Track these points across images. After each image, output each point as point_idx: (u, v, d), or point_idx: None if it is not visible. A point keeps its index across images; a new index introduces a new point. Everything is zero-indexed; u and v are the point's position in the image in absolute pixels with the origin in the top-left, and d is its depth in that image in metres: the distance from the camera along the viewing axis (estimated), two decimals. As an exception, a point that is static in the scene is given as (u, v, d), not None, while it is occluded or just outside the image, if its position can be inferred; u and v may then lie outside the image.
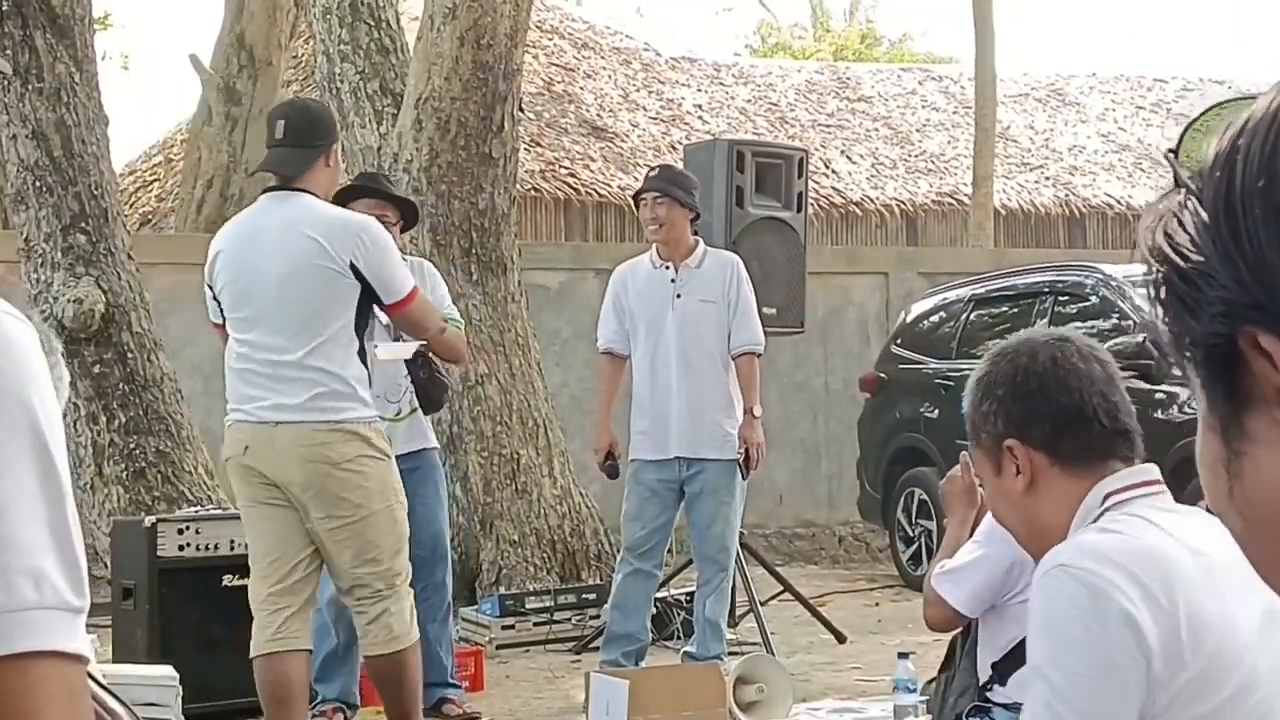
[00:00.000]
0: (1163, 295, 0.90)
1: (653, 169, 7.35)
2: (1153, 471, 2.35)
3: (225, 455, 5.19)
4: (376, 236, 5.11)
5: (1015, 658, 3.93)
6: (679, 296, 6.90)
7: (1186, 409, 7.78)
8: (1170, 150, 0.98)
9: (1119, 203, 16.33)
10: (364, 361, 5.13)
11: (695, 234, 7.08)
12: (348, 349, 5.06)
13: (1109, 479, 2.33)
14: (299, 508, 5.06)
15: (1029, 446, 2.35)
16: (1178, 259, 0.88)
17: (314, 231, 5.03)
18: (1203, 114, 1.03)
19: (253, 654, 5.10)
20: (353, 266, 5.01)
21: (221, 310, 5.22)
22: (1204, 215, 0.87)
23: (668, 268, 6.94)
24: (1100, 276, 9.49)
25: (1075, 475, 2.35)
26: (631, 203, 7.68)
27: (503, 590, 8.54)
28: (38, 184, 8.64)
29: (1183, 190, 0.90)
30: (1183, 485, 2.59)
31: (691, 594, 7.38)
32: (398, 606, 5.09)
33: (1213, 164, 0.88)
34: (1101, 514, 2.24)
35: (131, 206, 14.62)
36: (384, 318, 5.50)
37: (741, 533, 8.10)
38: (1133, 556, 2.05)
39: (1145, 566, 2.03)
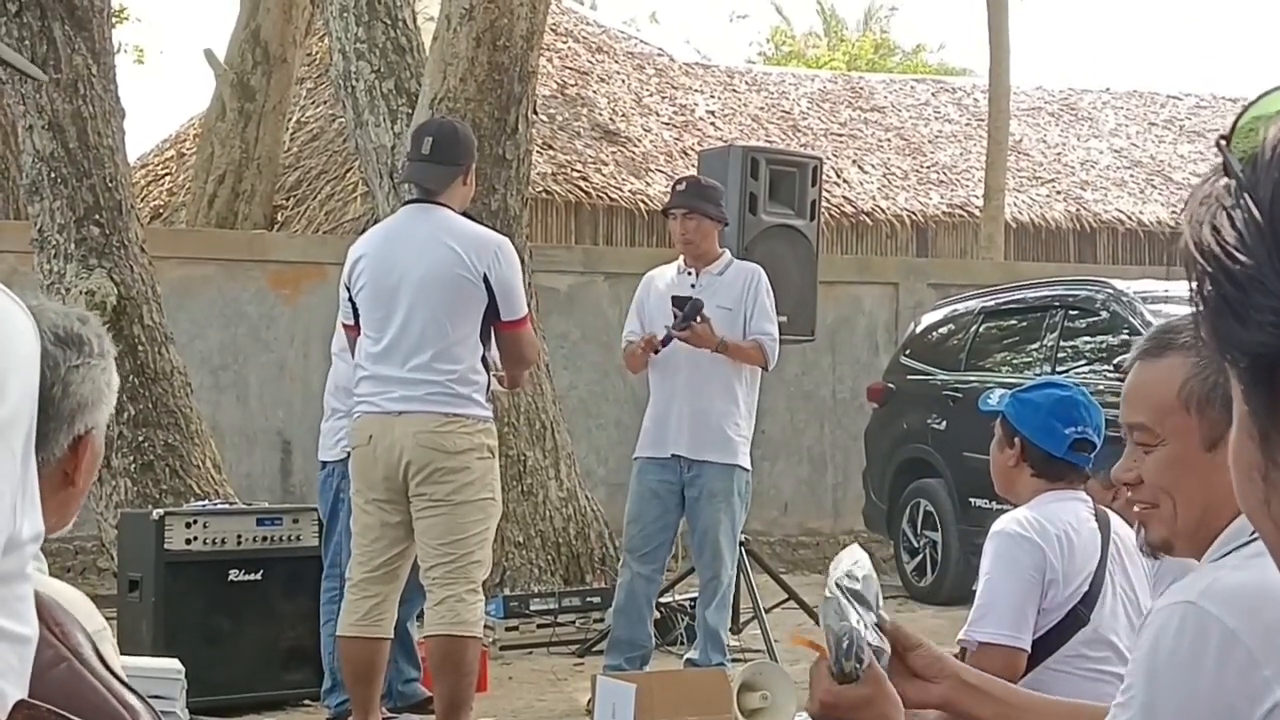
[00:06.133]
0: (1207, 294, 0.85)
1: (679, 182, 7.42)
2: None
3: (352, 444, 5.59)
4: (510, 255, 5.54)
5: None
6: None
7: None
8: (1222, 136, 0.90)
9: (1130, 218, 16.31)
10: (486, 369, 5.50)
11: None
12: (473, 353, 5.45)
13: None
14: (403, 500, 5.44)
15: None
16: (1225, 259, 0.84)
17: (454, 242, 5.45)
18: (1261, 96, 0.96)
19: (337, 633, 5.66)
20: (485, 278, 5.41)
21: (355, 311, 5.59)
22: (1257, 215, 0.83)
23: (690, 273, 7.07)
24: (1111, 291, 9.49)
25: None
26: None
27: (507, 591, 8.53)
28: (53, 175, 8.63)
29: (1233, 181, 0.85)
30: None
31: (695, 600, 7.38)
32: (470, 596, 5.44)
33: (1270, 159, 0.83)
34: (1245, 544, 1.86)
35: (143, 200, 14.61)
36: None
37: (746, 539, 8.11)
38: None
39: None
